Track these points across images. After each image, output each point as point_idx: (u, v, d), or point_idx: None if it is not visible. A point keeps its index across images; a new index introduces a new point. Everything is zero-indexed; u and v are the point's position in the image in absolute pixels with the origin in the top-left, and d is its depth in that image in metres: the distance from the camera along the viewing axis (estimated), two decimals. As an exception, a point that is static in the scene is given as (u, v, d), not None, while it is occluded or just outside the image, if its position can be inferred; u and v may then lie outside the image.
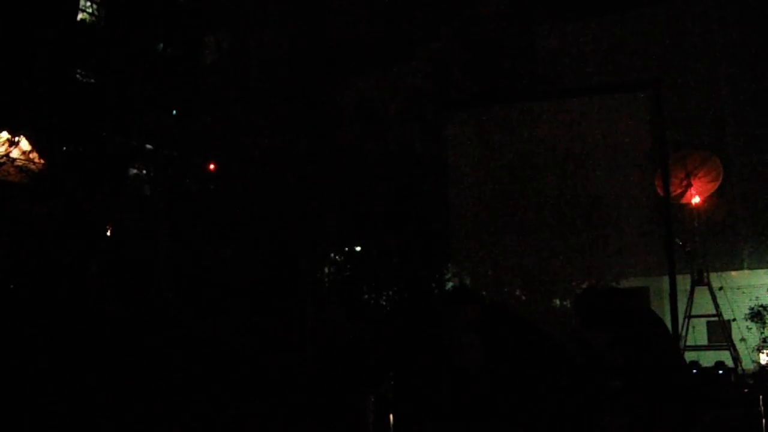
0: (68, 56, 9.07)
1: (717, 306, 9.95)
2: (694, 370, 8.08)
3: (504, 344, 3.42)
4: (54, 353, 6.89)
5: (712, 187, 10.53)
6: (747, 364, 9.79)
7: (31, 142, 8.65)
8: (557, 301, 8.02)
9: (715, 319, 10.08)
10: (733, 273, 12.68)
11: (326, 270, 10.84)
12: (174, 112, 9.69)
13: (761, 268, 13.47)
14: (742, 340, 10.24)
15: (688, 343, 9.53)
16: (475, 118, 8.26)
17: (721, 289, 10.40)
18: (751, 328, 10.64)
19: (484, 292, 7.75)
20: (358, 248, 11.19)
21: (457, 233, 8.10)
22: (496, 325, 3.49)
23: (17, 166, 8.52)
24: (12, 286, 7.71)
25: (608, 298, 3.61)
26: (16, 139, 8.55)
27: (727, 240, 13.75)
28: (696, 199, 10.45)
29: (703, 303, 10.23)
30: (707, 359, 9.11)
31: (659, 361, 3.27)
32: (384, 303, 10.82)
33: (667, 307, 6.91)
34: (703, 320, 10.59)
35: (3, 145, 8.51)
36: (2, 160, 8.42)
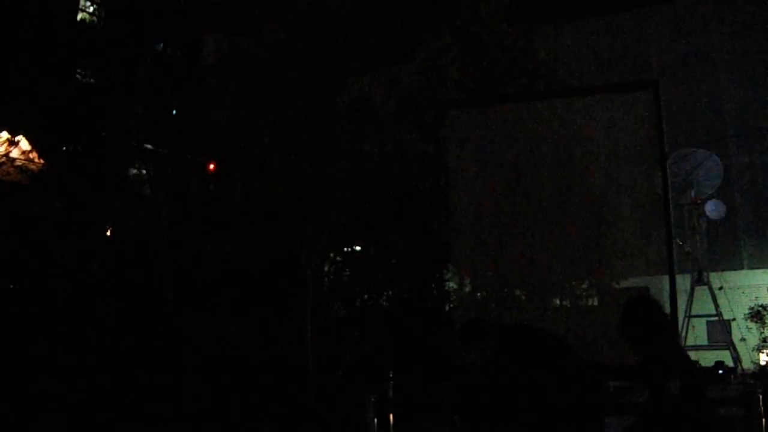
0: (68, 56, 9.07)
1: (717, 306, 9.96)
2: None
3: (524, 371, 3.36)
4: (54, 352, 6.89)
5: (712, 187, 10.54)
6: (747, 364, 9.79)
7: (31, 142, 8.64)
8: (557, 301, 8.01)
9: (715, 318, 10.08)
10: (733, 273, 12.66)
11: (326, 270, 10.83)
12: (174, 112, 9.68)
13: (761, 268, 13.46)
14: (742, 340, 10.24)
15: (688, 343, 9.52)
16: (474, 118, 8.26)
17: (721, 288, 10.41)
18: (751, 328, 10.63)
19: (481, 292, 7.74)
20: (358, 248, 11.18)
21: (457, 233, 8.10)
22: (514, 354, 3.42)
23: (17, 166, 8.52)
24: (12, 286, 7.72)
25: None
26: (16, 139, 8.54)
27: (727, 240, 13.75)
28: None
29: (703, 303, 10.23)
30: (707, 359, 9.09)
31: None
32: (384, 303, 10.81)
33: (667, 307, 6.91)
34: (703, 320, 10.59)
35: (3, 145, 8.50)
36: (2, 160, 8.42)
